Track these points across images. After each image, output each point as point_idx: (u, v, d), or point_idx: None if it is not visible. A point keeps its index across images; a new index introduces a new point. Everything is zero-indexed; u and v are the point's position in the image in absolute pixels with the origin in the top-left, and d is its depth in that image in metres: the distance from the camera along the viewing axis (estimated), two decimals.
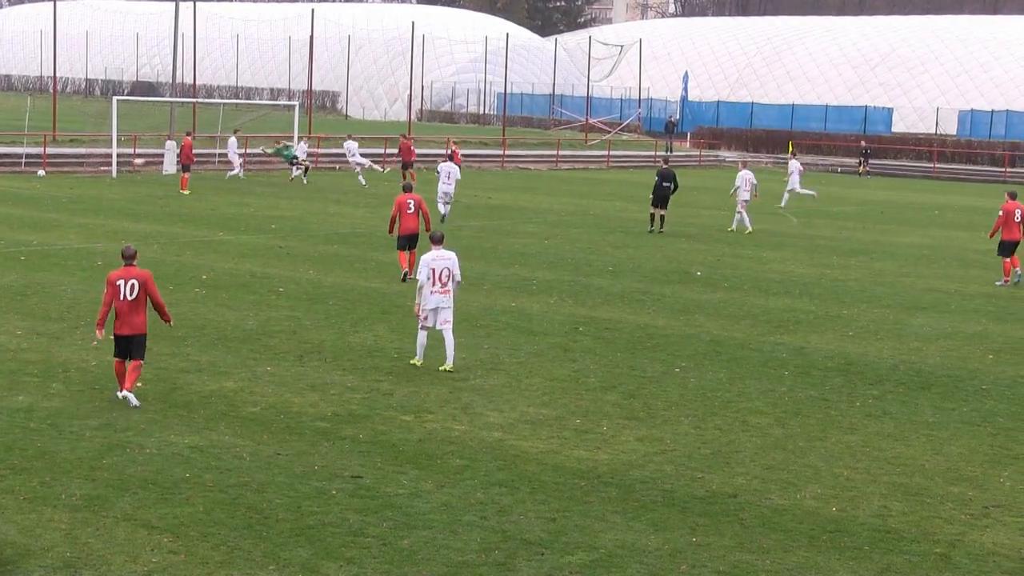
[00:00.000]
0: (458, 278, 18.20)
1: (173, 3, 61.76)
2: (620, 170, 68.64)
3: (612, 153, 72.77)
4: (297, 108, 59.21)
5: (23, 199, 38.91)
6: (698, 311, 23.95)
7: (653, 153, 74.17)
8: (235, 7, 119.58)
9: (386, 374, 17.76)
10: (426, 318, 17.96)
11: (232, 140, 50.21)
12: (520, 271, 28.10)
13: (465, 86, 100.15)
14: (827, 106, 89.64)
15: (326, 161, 57.35)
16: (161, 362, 17.54)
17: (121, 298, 15.48)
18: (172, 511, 11.91)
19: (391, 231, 26.47)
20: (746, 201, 38.49)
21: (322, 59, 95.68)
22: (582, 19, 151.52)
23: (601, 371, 18.51)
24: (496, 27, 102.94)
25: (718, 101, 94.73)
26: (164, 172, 49.94)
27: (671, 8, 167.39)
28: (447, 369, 17.91)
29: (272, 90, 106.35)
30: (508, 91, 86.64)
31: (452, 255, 18.21)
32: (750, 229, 38.04)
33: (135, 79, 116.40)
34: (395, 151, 54.97)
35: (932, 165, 74.94)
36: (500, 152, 67.54)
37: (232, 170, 49.22)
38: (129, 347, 15.57)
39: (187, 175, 43.58)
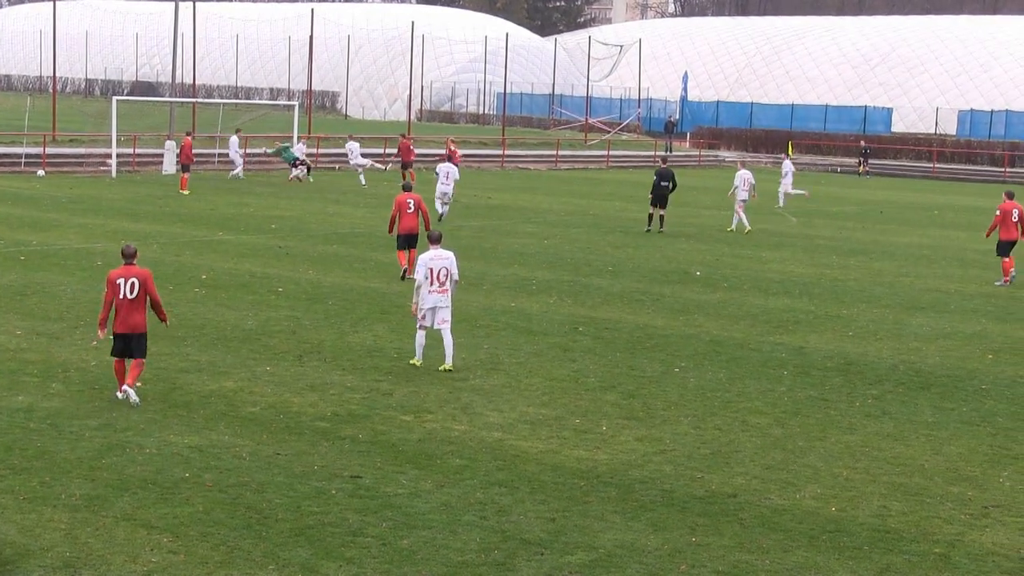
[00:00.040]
0: (456, 277, 18.21)
1: (173, 3, 61.76)
2: (620, 170, 68.64)
3: (612, 153, 72.78)
4: (297, 108, 59.23)
5: (23, 199, 38.91)
6: (697, 311, 23.95)
7: (653, 153, 74.15)
8: (235, 7, 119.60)
9: (385, 374, 17.76)
10: (424, 317, 17.96)
11: (234, 139, 50.22)
12: (519, 271, 28.10)
13: (465, 86, 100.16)
14: (827, 106, 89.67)
15: (326, 161, 57.35)
16: (161, 362, 17.54)
17: (121, 296, 15.50)
18: (172, 511, 11.91)
19: (391, 230, 26.50)
20: (744, 201, 38.50)
21: (322, 59, 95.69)
22: (582, 19, 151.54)
23: (600, 371, 18.51)
24: (496, 27, 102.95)
25: (718, 101, 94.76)
26: (164, 172, 49.94)
27: (671, 8, 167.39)
28: (447, 368, 17.91)
29: (272, 90, 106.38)
30: (508, 91, 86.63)
31: (450, 255, 18.22)
32: (748, 228, 38.07)
33: (135, 79, 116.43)
34: (394, 151, 55.02)
35: (932, 165, 74.97)
36: (500, 152, 67.54)
37: (234, 169, 49.31)
38: (129, 346, 15.59)
39: (187, 175, 43.58)
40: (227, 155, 51.50)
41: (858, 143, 76.25)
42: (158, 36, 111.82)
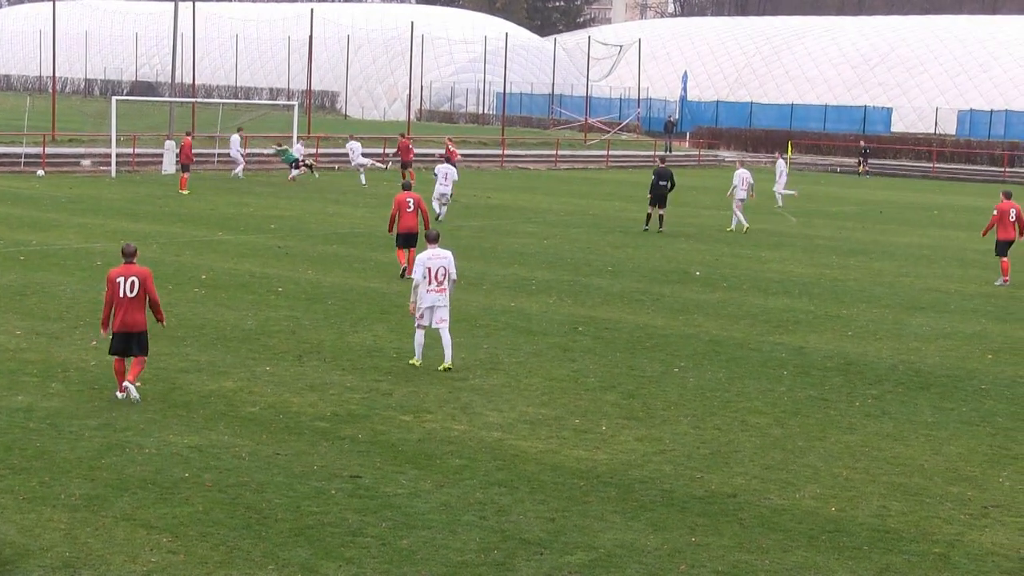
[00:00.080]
0: (454, 277, 18.21)
1: (172, 3, 61.76)
2: (619, 170, 68.65)
3: (611, 153, 72.78)
4: (296, 108, 59.23)
5: (22, 199, 38.91)
6: (697, 311, 23.95)
7: (652, 153, 74.14)
8: (234, 7, 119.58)
9: (385, 374, 17.76)
10: (421, 316, 17.97)
11: (235, 138, 50.24)
12: (519, 271, 28.10)
13: (464, 86, 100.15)
14: (826, 106, 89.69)
15: (325, 161, 57.34)
16: (160, 362, 17.54)
17: (121, 295, 15.54)
18: (171, 511, 11.91)
19: (391, 229, 26.51)
20: (742, 200, 38.53)
21: (321, 59, 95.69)
22: (581, 19, 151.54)
23: (600, 371, 18.51)
24: (495, 27, 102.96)
25: (717, 101, 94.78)
26: (163, 172, 49.95)
27: (670, 8, 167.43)
28: (446, 368, 17.91)
29: (271, 90, 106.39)
30: (507, 91, 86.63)
31: (448, 254, 18.23)
32: (747, 226, 38.10)
33: (134, 79, 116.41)
34: (394, 150, 55.06)
35: (931, 165, 74.97)
36: (499, 152, 67.54)
37: (236, 167, 49.38)
38: (129, 344, 15.63)
39: (186, 175, 43.58)
40: (227, 155, 51.53)
41: (858, 143, 76.27)
42: (158, 36, 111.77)
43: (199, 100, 70.14)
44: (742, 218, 38.41)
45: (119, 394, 15.68)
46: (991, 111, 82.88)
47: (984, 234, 30.84)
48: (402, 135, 53.83)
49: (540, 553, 11.24)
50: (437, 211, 36.49)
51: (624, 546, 11.50)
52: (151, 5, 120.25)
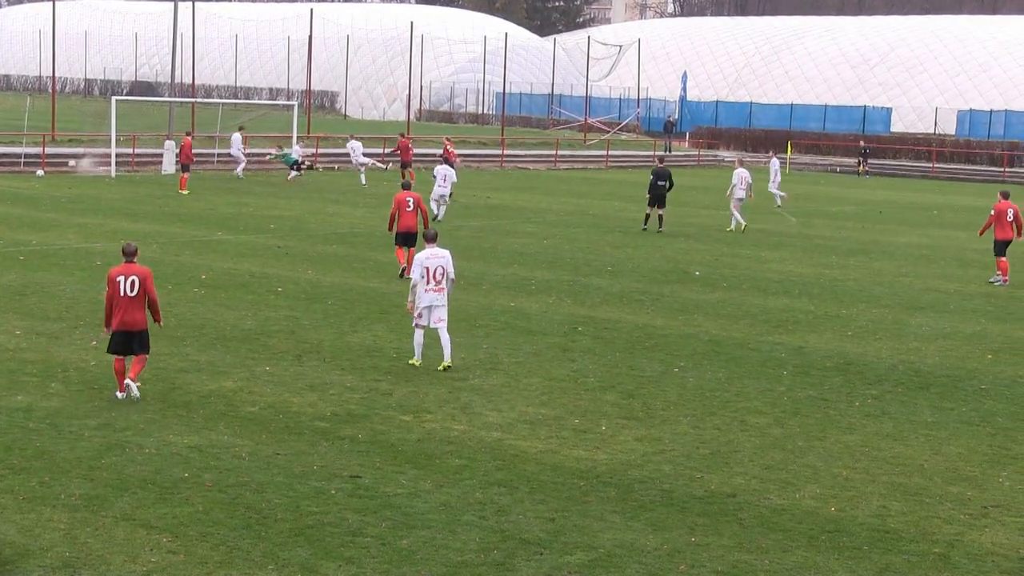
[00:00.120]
0: (452, 276, 18.21)
1: (172, 3, 61.76)
2: (619, 170, 68.65)
3: (611, 153, 72.78)
4: (296, 108, 59.23)
5: (22, 199, 38.91)
6: (697, 311, 23.95)
7: (652, 153, 74.13)
8: (234, 7, 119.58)
9: (385, 374, 17.76)
10: (420, 316, 17.98)
11: (236, 136, 50.25)
12: (519, 271, 28.10)
13: (464, 86, 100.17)
14: (826, 106, 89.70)
15: (325, 161, 57.35)
16: (160, 362, 17.54)
17: (121, 294, 15.58)
18: (171, 511, 11.91)
19: (391, 228, 26.52)
20: (740, 200, 38.54)
21: (321, 59, 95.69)
22: (581, 19, 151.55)
23: (600, 371, 18.51)
24: (495, 27, 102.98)
25: (717, 101, 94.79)
26: (163, 172, 49.95)
27: (670, 8, 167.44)
28: (446, 366, 17.91)
29: (271, 90, 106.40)
30: (507, 91, 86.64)
31: (446, 253, 18.23)
32: (744, 224, 38.13)
33: (134, 79, 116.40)
34: (391, 149, 55.10)
35: (931, 165, 74.97)
36: (499, 152, 67.55)
37: (239, 166, 49.43)
38: (130, 343, 15.67)
39: (186, 175, 43.58)
40: (227, 155, 51.54)
41: (857, 143, 76.27)
42: (157, 36, 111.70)
43: (199, 100, 70.17)
44: (740, 217, 38.44)
45: (119, 394, 15.69)
46: (991, 111, 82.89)
47: (981, 233, 30.97)
48: (402, 135, 53.87)
49: (540, 553, 11.24)
50: (435, 212, 36.50)
51: (624, 546, 11.50)
52: (151, 5, 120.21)
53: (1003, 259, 29.46)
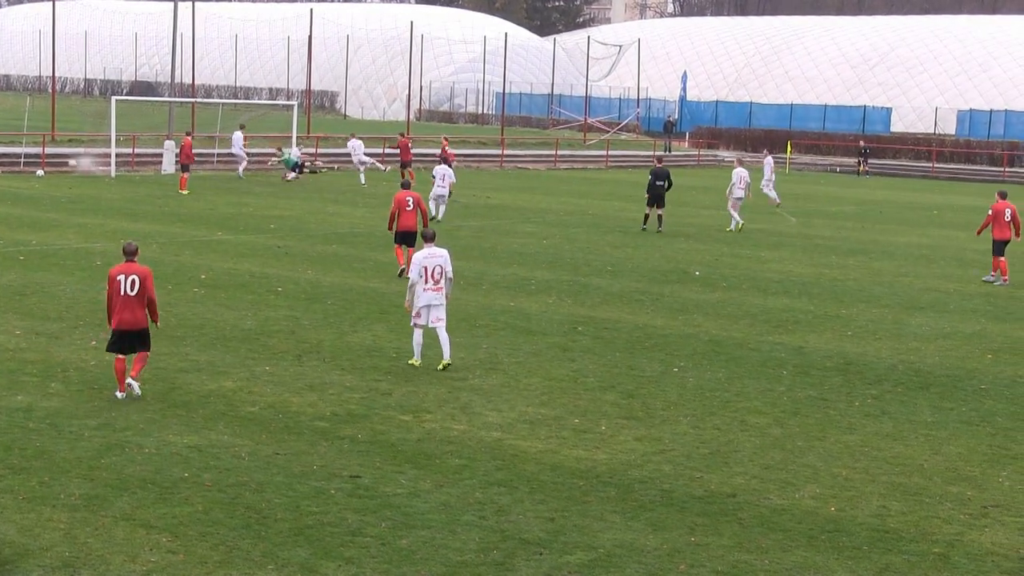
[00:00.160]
0: (451, 275, 18.21)
1: (172, 3, 61.75)
2: (619, 170, 68.65)
3: (611, 153, 72.78)
4: (296, 108, 59.24)
5: (22, 199, 38.91)
6: (696, 311, 23.95)
7: (652, 153, 74.14)
8: (234, 7, 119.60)
9: (384, 374, 17.76)
10: (418, 315, 17.99)
11: (237, 135, 50.26)
12: (519, 271, 28.10)
13: (464, 86, 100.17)
14: (826, 106, 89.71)
15: (325, 161, 57.35)
16: (160, 362, 17.54)
17: (122, 293, 15.60)
18: (171, 511, 11.91)
19: (391, 228, 26.52)
20: (739, 199, 38.54)
21: (321, 59, 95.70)
22: (581, 19, 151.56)
23: (600, 371, 18.51)
24: (495, 27, 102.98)
25: (717, 101, 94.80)
26: (163, 172, 49.96)
27: (670, 8, 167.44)
28: (445, 364, 17.91)
29: (271, 90, 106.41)
30: (507, 91, 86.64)
31: (444, 252, 18.23)
32: (741, 223, 38.16)
33: (134, 79, 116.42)
34: (395, 150, 55.13)
35: (931, 165, 74.98)
36: (499, 152, 67.55)
37: (240, 165, 49.44)
38: (130, 342, 15.71)
39: (186, 175, 43.58)
40: (227, 154, 51.53)
41: (857, 143, 76.28)
42: (157, 36, 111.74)
43: (198, 100, 70.16)
44: (737, 217, 38.45)
45: (119, 394, 15.69)
46: (991, 111, 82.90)
47: (979, 233, 31.12)
48: (401, 135, 53.93)
49: (540, 553, 11.24)
50: (434, 212, 36.50)
51: (623, 546, 11.50)
52: (151, 5, 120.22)
53: (1002, 259, 29.48)
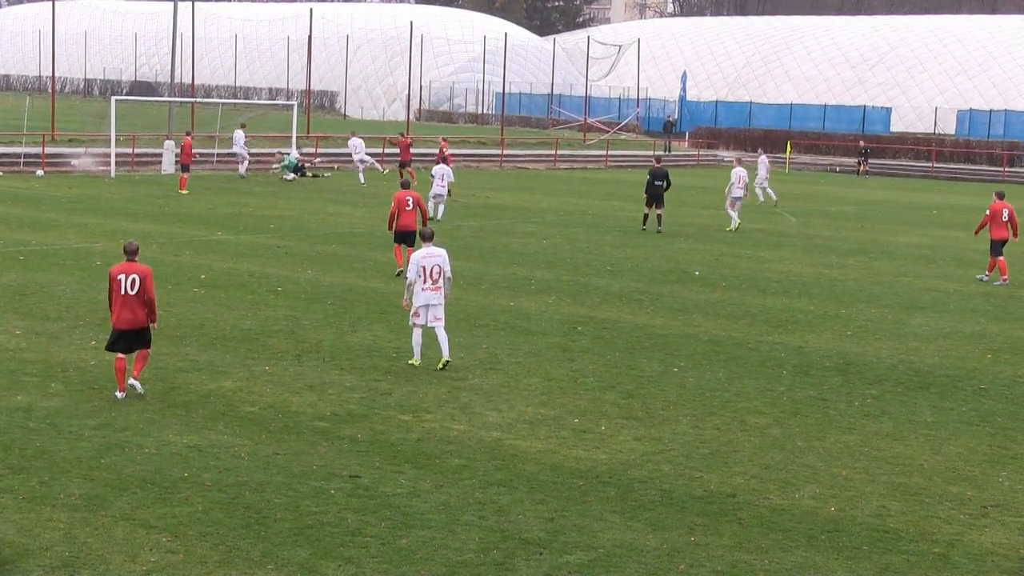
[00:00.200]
0: (449, 275, 18.21)
1: (172, 3, 61.75)
2: (618, 170, 68.65)
3: (610, 153, 72.79)
4: (296, 108, 59.24)
5: (22, 199, 38.91)
6: (696, 311, 23.95)
7: (651, 153, 74.13)
8: (234, 7, 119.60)
9: (384, 373, 17.76)
10: (417, 315, 17.99)
11: (238, 133, 50.26)
12: (518, 271, 28.10)
13: (463, 86, 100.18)
14: (825, 106, 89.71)
15: (325, 161, 57.34)
16: (159, 361, 17.53)
17: (122, 292, 15.61)
18: (170, 511, 11.91)
19: (390, 227, 26.52)
20: (737, 198, 38.54)
21: (320, 59, 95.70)
22: (580, 19, 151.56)
23: (599, 371, 18.51)
24: (494, 27, 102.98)
25: (716, 101, 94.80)
26: (163, 172, 49.96)
27: (669, 8, 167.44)
28: (445, 362, 17.90)
29: (271, 90, 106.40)
30: (506, 91, 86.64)
31: (443, 252, 18.23)
32: (739, 222, 38.16)
33: (134, 79, 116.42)
34: (395, 150, 55.17)
35: (931, 165, 74.99)
36: (498, 152, 67.55)
37: (242, 164, 49.44)
38: (130, 341, 15.73)
39: (186, 175, 43.58)
40: (228, 154, 51.52)
41: (857, 143, 76.29)
42: (157, 36, 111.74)
43: (198, 100, 70.18)
44: (735, 216, 38.46)
45: (119, 394, 15.70)
46: (990, 111, 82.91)
47: (976, 233, 31.23)
48: (401, 134, 53.94)
49: (539, 553, 11.24)
50: (433, 212, 36.50)
51: (623, 546, 11.50)
52: (151, 5, 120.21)
53: (1001, 259, 29.49)
